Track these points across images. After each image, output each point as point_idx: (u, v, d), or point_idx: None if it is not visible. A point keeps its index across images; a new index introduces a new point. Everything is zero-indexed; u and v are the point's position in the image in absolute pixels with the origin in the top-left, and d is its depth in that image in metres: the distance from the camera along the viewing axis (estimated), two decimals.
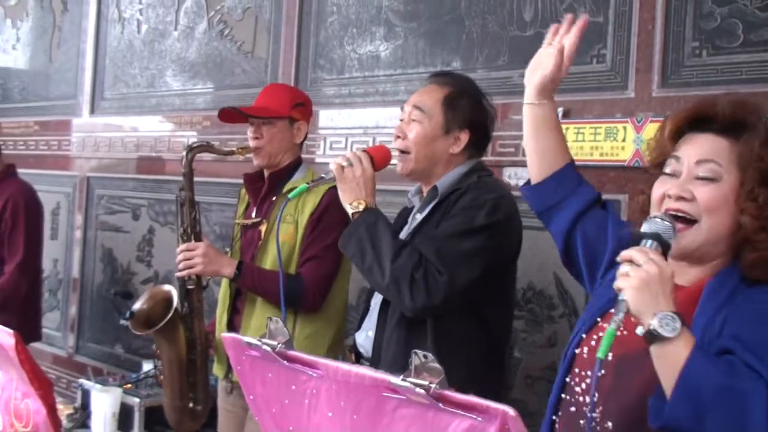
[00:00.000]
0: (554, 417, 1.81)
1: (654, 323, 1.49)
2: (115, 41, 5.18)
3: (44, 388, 1.97)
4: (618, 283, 1.56)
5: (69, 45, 5.53)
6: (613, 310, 1.73)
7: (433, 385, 1.11)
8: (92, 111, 5.32)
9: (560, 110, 3.06)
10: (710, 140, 1.74)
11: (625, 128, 2.92)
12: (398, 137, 2.51)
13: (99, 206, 5.24)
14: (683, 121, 1.81)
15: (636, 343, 1.60)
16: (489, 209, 2.33)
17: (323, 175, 2.46)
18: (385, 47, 3.74)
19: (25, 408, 2.00)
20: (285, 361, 1.36)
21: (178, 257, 2.98)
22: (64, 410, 3.45)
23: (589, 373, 1.73)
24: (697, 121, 1.79)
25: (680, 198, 1.70)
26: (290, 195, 2.45)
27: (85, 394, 3.48)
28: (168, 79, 4.83)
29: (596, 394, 1.61)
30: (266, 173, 3.10)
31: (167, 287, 3.10)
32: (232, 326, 3.06)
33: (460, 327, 2.35)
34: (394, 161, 2.55)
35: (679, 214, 1.69)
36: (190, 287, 3.02)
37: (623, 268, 1.57)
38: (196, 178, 4.03)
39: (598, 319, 1.79)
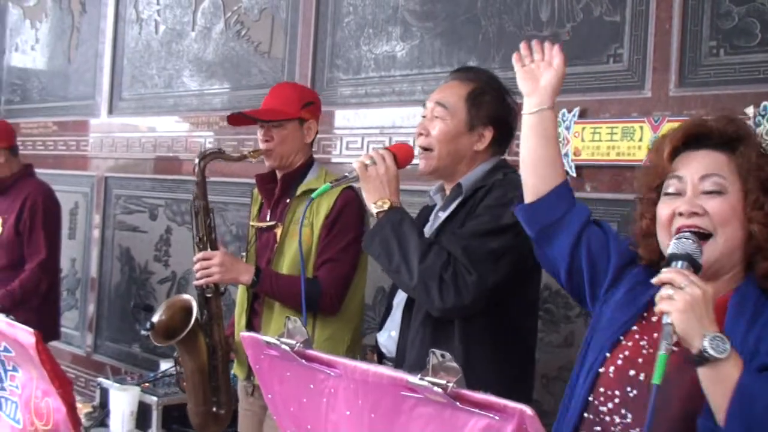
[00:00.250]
0: None
1: (705, 345, 1.50)
2: (133, 42, 5.21)
3: (64, 386, 1.98)
4: (662, 307, 1.55)
5: (87, 46, 5.57)
6: (635, 328, 1.74)
7: (450, 384, 1.11)
8: (110, 111, 5.35)
9: (576, 110, 3.07)
10: (709, 156, 1.78)
11: (642, 128, 2.91)
12: (421, 134, 2.46)
13: (117, 206, 5.27)
14: (680, 141, 1.82)
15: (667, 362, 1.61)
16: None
17: (346, 174, 2.41)
18: (402, 47, 3.75)
19: (45, 406, 2.01)
20: (303, 360, 1.36)
21: (195, 266, 2.98)
22: (82, 409, 3.47)
23: (617, 392, 1.73)
24: (691, 139, 1.82)
25: (693, 214, 1.72)
26: (313, 195, 2.39)
27: (104, 392, 3.51)
28: (185, 80, 4.85)
29: (649, 417, 1.59)
30: (279, 174, 3.10)
31: (185, 296, 3.10)
32: (252, 328, 3.06)
33: (489, 327, 2.31)
34: (415, 160, 2.52)
35: (694, 230, 1.70)
36: (208, 295, 3.01)
37: (665, 291, 1.56)
38: (212, 178, 4.05)
39: (621, 338, 1.78)
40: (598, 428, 1.75)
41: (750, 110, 2.64)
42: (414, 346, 2.35)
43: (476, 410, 1.11)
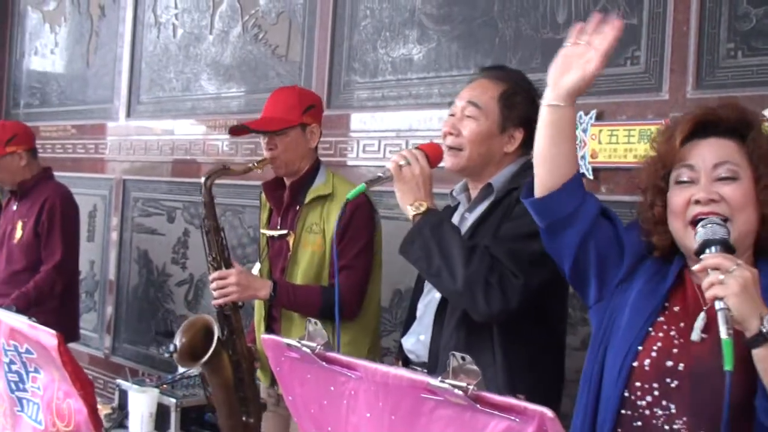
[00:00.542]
0: None
1: (766, 325, 1.52)
2: (151, 45, 5.24)
3: (86, 388, 2.00)
4: (715, 292, 1.56)
5: (106, 49, 5.61)
6: (661, 319, 1.74)
7: (471, 387, 1.12)
8: (128, 114, 5.38)
9: (593, 112, 3.07)
10: (719, 143, 1.80)
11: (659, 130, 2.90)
12: (450, 134, 2.39)
13: (135, 209, 5.30)
14: (690, 130, 1.83)
15: (701, 351, 1.65)
16: None
17: (380, 174, 2.33)
18: (418, 50, 3.75)
19: (66, 408, 2.03)
20: (324, 363, 1.37)
21: (212, 286, 2.97)
22: (101, 410, 3.48)
23: (655, 384, 1.73)
24: (699, 127, 1.83)
25: (711, 201, 1.74)
26: (349, 195, 2.30)
27: (123, 394, 3.52)
28: (203, 83, 4.88)
29: (726, 407, 1.59)
30: (287, 181, 3.09)
31: (204, 317, 3.08)
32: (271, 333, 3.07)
33: (528, 330, 2.26)
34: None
35: (716, 216, 1.72)
36: (227, 313, 3.00)
37: (714, 277, 1.57)
38: (230, 181, 4.06)
39: (650, 329, 1.79)
40: (638, 423, 1.75)
41: None
42: (448, 349, 2.23)
43: (496, 412, 1.11)
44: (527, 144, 2.33)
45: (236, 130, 3.13)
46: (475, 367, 1.13)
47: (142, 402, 3.17)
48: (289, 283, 2.97)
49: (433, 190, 2.35)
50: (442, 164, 2.43)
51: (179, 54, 5.04)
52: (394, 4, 3.86)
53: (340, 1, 4.08)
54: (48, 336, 1.96)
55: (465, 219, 2.42)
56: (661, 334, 1.77)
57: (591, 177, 3.05)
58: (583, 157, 3.07)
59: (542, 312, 2.29)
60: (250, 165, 3.06)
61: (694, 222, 1.75)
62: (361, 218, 2.96)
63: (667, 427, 1.71)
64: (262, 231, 3.20)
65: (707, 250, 1.65)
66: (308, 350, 1.37)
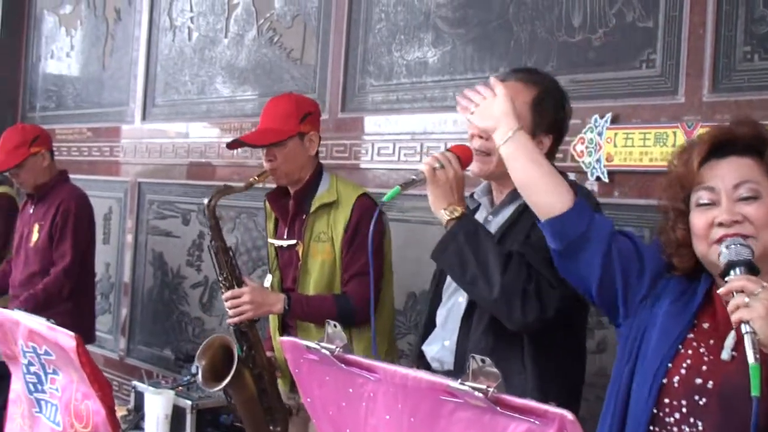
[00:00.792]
0: None
1: None
2: (167, 49, 5.26)
3: (104, 389, 2.01)
4: (741, 315, 1.55)
5: (121, 53, 5.63)
6: (690, 336, 1.75)
7: (491, 389, 1.12)
8: (144, 117, 5.40)
9: (609, 115, 3.06)
10: (737, 162, 1.78)
11: (675, 133, 2.90)
12: (479, 137, 2.32)
13: (150, 211, 5.31)
14: (706, 151, 1.82)
15: (730, 369, 1.64)
16: None
17: (413, 177, 2.25)
18: (433, 53, 3.76)
19: (85, 409, 2.04)
20: (343, 365, 1.38)
21: (226, 305, 2.97)
22: (117, 412, 3.50)
23: (683, 402, 1.72)
24: (717, 147, 1.81)
25: (734, 222, 1.72)
26: (384, 198, 2.23)
27: (139, 396, 3.53)
28: (218, 86, 4.89)
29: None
30: (291, 190, 3.08)
31: (221, 337, 3.07)
32: None
33: (557, 337, 2.22)
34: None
35: (740, 236, 1.71)
36: (244, 330, 3.01)
37: (740, 299, 1.56)
38: (242, 183, 4.07)
39: (680, 347, 1.78)
40: None
41: None
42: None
43: (516, 415, 1.11)
44: (554, 150, 2.35)
45: (234, 145, 3.11)
46: (495, 370, 1.14)
47: (158, 404, 3.18)
48: (302, 295, 2.98)
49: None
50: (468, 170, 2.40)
51: (194, 57, 5.06)
52: (409, 8, 3.86)
53: (355, 5, 4.09)
54: (67, 338, 1.98)
55: (488, 222, 2.38)
56: (690, 351, 1.76)
57: (606, 180, 3.05)
58: (598, 161, 3.06)
59: (570, 319, 2.26)
60: (251, 180, 3.06)
61: (719, 242, 1.73)
62: (369, 223, 2.95)
63: None
64: (270, 241, 3.20)
65: (732, 272, 1.64)
66: (327, 352, 1.38)
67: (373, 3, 4.01)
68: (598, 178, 3.07)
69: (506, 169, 2.26)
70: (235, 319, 2.95)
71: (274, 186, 3.18)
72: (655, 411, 1.76)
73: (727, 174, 1.77)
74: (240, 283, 2.99)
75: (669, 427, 1.74)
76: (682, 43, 2.92)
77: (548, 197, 1.95)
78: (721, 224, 1.73)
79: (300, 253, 3.02)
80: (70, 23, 6.14)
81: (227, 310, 2.98)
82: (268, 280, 3.17)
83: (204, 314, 4.85)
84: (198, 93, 5.02)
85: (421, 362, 2.43)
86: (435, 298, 2.47)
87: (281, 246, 3.11)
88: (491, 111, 2.05)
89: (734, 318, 1.57)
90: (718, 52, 2.83)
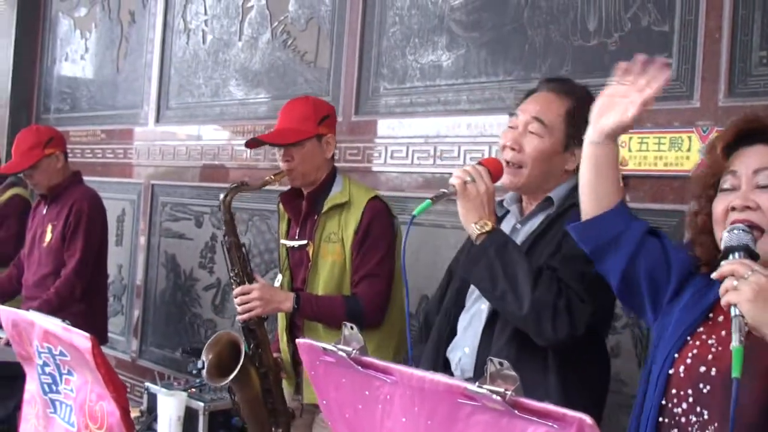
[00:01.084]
0: None
1: None
2: (181, 51, 5.27)
3: (118, 390, 2.01)
4: (728, 298, 1.56)
5: (136, 55, 5.66)
6: (701, 329, 1.74)
7: (509, 392, 1.12)
8: (157, 120, 5.42)
9: None
10: (763, 150, 1.78)
11: (690, 138, 2.89)
12: (512, 148, 2.31)
13: (163, 213, 5.33)
14: (733, 137, 1.83)
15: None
16: None
17: (444, 191, 2.20)
18: (447, 57, 3.76)
19: (99, 410, 2.04)
20: (359, 367, 1.38)
21: (236, 301, 2.98)
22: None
23: (690, 391, 1.72)
24: (745, 135, 1.82)
25: (746, 208, 1.73)
26: (415, 212, 2.14)
27: (152, 397, 3.53)
28: (231, 89, 4.90)
29: (732, 414, 1.58)
30: (305, 192, 3.09)
31: (228, 333, 3.09)
32: (295, 342, 3.08)
33: (582, 345, 2.18)
34: None
35: (747, 223, 1.70)
36: (252, 327, 3.03)
37: (729, 283, 1.56)
38: None
39: (688, 338, 1.78)
40: (675, 430, 1.74)
41: None
42: None
43: (534, 418, 1.11)
44: None
45: (252, 144, 3.13)
46: (513, 373, 1.13)
47: (170, 405, 3.18)
48: (311, 295, 2.98)
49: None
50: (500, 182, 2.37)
51: (208, 60, 5.07)
52: (424, 11, 3.86)
53: (369, 8, 4.10)
54: (82, 338, 1.98)
55: (516, 230, 2.36)
56: (698, 342, 1.76)
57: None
58: None
59: (595, 329, 2.25)
60: (267, 178, 3.08)
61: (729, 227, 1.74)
62: (380, 226, 2.96)
63: None
64: (282, 241, 3.21)
65: (730, 257, 1.64)
66: (344, 354, 1.38)
67: (387, 6, 4.02)
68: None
69: (537, 182, 2.30)
70: (244, 316, 2.97)
71: (286, 188, 3.19)
72: (663, 402, 1.77)
73: (750, 160, 1.77)
74: (251, 280, 3.00)
75: (677, 418, 1.74)
76: (697, 47, 2.92)
77: (588, 205, 1.96)
78: (734, 209, 1.73)
79: (310, 253, 3.03)
80: (84, 26, 6.17)
81: (236, 306, 2.99)
82: (278, 281, 3.18)
83: (216, 316, 4.85)
84: (211, 96, 5.03)
85: (446, 369, 2.39)
86: (457, 308, 2.42)
87: (292, 246, 3.12)
88: (608, 110, 1.92)
89: (723, 301, 1.57)
90: (734, 56, 2.83)
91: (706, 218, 1.83)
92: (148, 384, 3.69)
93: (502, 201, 2.47)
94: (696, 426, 1.70)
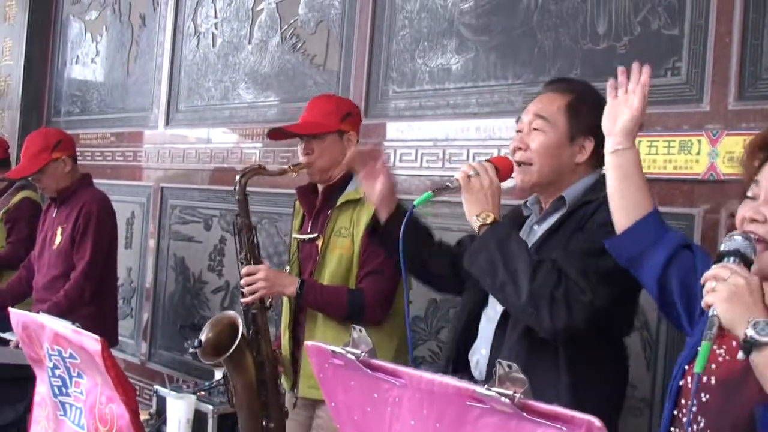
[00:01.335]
0: None
1: (749, 331, 1.50)
2: (191, 55, 5.29)
3: (128, 393, 2.01)
4: (706, 299, 1.57)
5: (146, 58, 5.68)
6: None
7: (517, 395, 1.12)
8: (167, 123, 5.44)
9: None
10: None
11: (699, 141, 2.89)
12: (519, 149, 2.34)
13: (172, 216, 5.34)
14: (757, 144, 1.82)
15: (737, 367, 1.63)
16: None
17: (448, 184, 2.27)
18: (457, 60, 3.76)
19: (109, 412, 2.05)
20: (368, 370, 1.38)
21: (241, 281, 3.00)
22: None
23: (694, 401, 1.73)
24: None
25: (753, 220, 1.72)
26: (415, 202, 2.24)
27: (161, 400, 3.54)
28: (241, 92, 4.92)
29: (695, 408, 1.59)
30: (320, 187, 3.11)
31: (231, 313, 3.11)
32: (296, 340, 3.09)
33: (594, 344, 2.19)
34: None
35: (752, 236, 1.70)
36: (254, 311, 3.03)
37: (709, 285, 1.58)
38: (266, 189, 4.07)
39: (699, 349, 1.78)
40: None
41: None
42: None
43: (543, 421, 1.11)
44: (598, 153, 2.25)
45: (275, 133, 3.15)
46: (522, 375, 1.13)
47: (180, 408, 3.19)
48: (317, 283, 2.99)
49: (502, 203, 2.31)
50: (512, 183, 2.41)
51: (218, 63, 5.08)
52: (433, 14, 3.87)
53: (379, 11, 4.10)
54: (92, 341, 1.98)
55: (533, 231, 2.37)
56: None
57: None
58: None
59: (608, 328, 2.24)
60: (286, 167, 3.12)
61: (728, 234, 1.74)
62: None
63: None
64: (294, 235, 3.22)
65: (724, 260, 1.65)
66: (352, 357, 1.38)
67: (396, 9, 4.02)
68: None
69: (549, 179, 2.32)
70: (248, 298, 2.98)
71: (291, 190, 3.20)
72: (675, 413, 1.78)
73: None
74: (258, 263, 3.03)
75: (683, 428, 1.75)
76: (707, 51, 2.91)
77: (619, 216, 2.01)
78: (745, 218, 1.74)
79: (319, 246, 3.04)
80: (95, 29, 6.19)
81: (241, 288, 3.01)
82: (286, 271, 3.19)
83: None
84: (221, 99, 5.04)
85: (465, 372, 2.40)
86: (475, 311, 2.44)
87: (303, 240, 3.13)
88: (616, 115, 2.04)
89: (702, 302, 1.59)
90: (744, 60, 2.82)
91: (733, 221, 1.84)
92: (157, 387, 3.70)
93: (526, 202, 2.49)
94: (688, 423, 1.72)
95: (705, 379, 1.73)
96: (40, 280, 4.39)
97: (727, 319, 1.53)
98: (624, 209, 1.99)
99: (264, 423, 3.06)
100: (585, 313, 2.09)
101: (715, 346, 1.76)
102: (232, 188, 3.09)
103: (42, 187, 4.46)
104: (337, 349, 1.41)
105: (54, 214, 4.43)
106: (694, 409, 1.57)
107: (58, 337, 2.12)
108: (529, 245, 2.27)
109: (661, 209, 2.91)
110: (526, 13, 3.48)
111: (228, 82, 5.00)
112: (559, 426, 1.09)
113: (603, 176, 2.24)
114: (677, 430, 1.76)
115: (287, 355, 3.14)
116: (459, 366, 2.42)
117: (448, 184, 2.27)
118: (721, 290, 1.55)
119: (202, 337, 3.05)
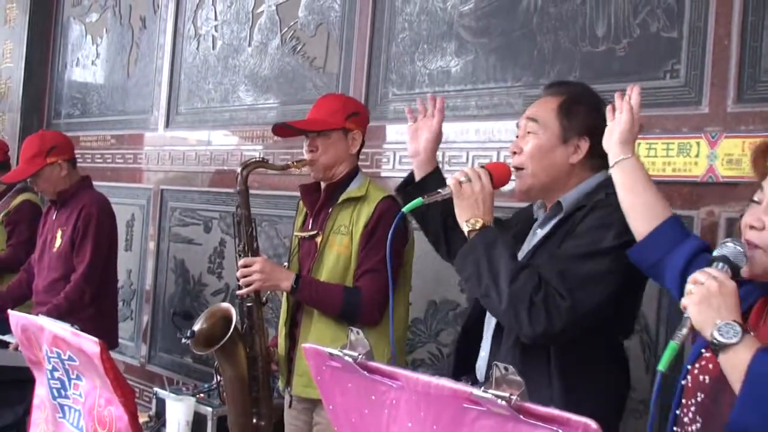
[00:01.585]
0: None
1: (715, 333, 1.55)
2: (191, 57, 5.29)
3: (126, 395, 2.02)
4: (683, 301, 1.63)
5: (146, 61, 5.68)
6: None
7: (514, 397, 1.12)
8: (167, 125, 5.44)
9: None
10: None
11: (698, 144, 2.89)
12: (514, 153, 2.36)
13: (172, 218, 5.34)
14: (761, 148, 1.82)
15: None
16: (618, 230, 2.12)
17: (440, 190, 2.28)
18: (456, 63, 3.76)
19: (108, 415, 2.05)
20: (365, 372, 1.38)
21: (237, 273, 3.01)
22: (139, 418, 3.51)
23: (693, 401, 1.75)
24: None
25: (751, 227, 1.73)
26: (405, 208, 2.29)
27: (160, 402, 3.55)
28: (241, 94, 4.92)
29: (653, 407, 1.60)
30: (323, 185, 3.11)
31: (225, 305, 3.11)
32: (292, 338, 3.09)
33: (587, 351, 2.17)
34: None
35: (749, 242, 1.72)
36: (249, 305, 3.04)
37: (687, 287, 1.63)
38: (266, 192, 4.07)
39: (702, 350, 1.79)
40: None
41: None
42: None
43: (539, 423, 1.11)
44: (597, 154, 2.26)
45: (280, 129, 3.15)
46: (518, 378, 1.14)
47: (179, 410, 3.19)
48: (313, 279, 2.98)
49: (508, 206, 2.32)
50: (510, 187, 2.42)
51: (218, 65, 5.09)
52: (432, 17, 3.87)
53: (379, 14, 4.10)
54: (91, 343, 1.98)
55: (536, 234, 2.37)
56: (708, 354, 1.76)
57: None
58: None
59: (602, 332, 2.22)
60: (289, 163, 3.11)
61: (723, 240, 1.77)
62: (390, 223, 2.95)
63: None
64: (295, 233, 3.22)
65: (713, 266, 1.68)
66: (350, 359, 1.38)
67: (396, 12, 4.02)
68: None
69: (544, 182, 2.33)
70: (244, 290, 2.99)
71: (294, 193, 3.20)
72: (677, 413, 1.79)
73: None
74: (256, 255, 3.04)
75: (685, 427, 1.76)
76: (706, 53, 2.91)
77: (635, 225, 2.05)
78: (747, 226, 1.75)
79: (318, 243, 3.04)
80: (95, 31, 6.20)
81: (237, 280, 3.02)
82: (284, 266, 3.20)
83: None
84: (221, 101, 5.05)
85: (471, 375, 2.41)
86: (482, 315, 2.43)
87: (303, 237, 3.14)
88: (612, 129, 2.12)
89: (681, 306, 1.63)
90: (743, 62, 2.82)
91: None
92: (156, 389, 3.70)
93: (534, 204, 2.50)
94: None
95: (701, 378, 1.74)
96: (41, 283, 4.39)
97: (697, 321, 1.59)
98: (638, 219, 2.03)
99: (254, 420, 3.07)
100: (565, 318, 2.08)
101: None
102: (232, 190, 3.10)
103: (39, 191, 4.47)
104: (335, 352, 1.41)
105: (54, 217, 4.43)
106: (653, 409, 1.58)
107: (57, 340, 2.12)
108: (530, 249, 2.30)
109: None
110: (525, 16, 3.49)
111: (228, 84, 5.01)
112: (555, 428, 1.09)
113: (604, 180, 2.26)
114: (679, 429, 1.77)
115: (283, 354, 3.14)
116: (463, 366, 2.44)
117: (440, 191, 2.29)
118: (695, 293, 1.60)
119: (195, 327, 3.05)
